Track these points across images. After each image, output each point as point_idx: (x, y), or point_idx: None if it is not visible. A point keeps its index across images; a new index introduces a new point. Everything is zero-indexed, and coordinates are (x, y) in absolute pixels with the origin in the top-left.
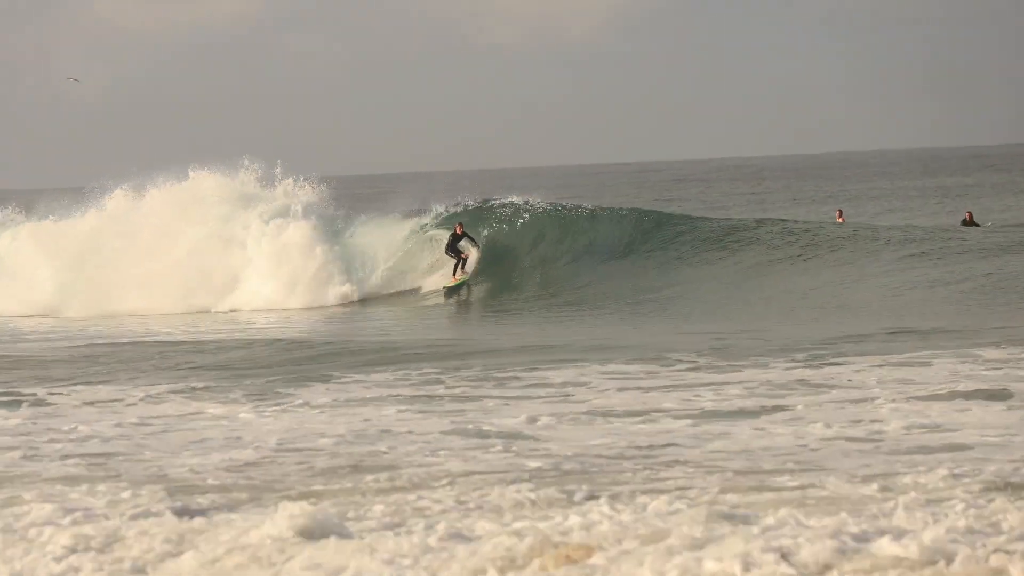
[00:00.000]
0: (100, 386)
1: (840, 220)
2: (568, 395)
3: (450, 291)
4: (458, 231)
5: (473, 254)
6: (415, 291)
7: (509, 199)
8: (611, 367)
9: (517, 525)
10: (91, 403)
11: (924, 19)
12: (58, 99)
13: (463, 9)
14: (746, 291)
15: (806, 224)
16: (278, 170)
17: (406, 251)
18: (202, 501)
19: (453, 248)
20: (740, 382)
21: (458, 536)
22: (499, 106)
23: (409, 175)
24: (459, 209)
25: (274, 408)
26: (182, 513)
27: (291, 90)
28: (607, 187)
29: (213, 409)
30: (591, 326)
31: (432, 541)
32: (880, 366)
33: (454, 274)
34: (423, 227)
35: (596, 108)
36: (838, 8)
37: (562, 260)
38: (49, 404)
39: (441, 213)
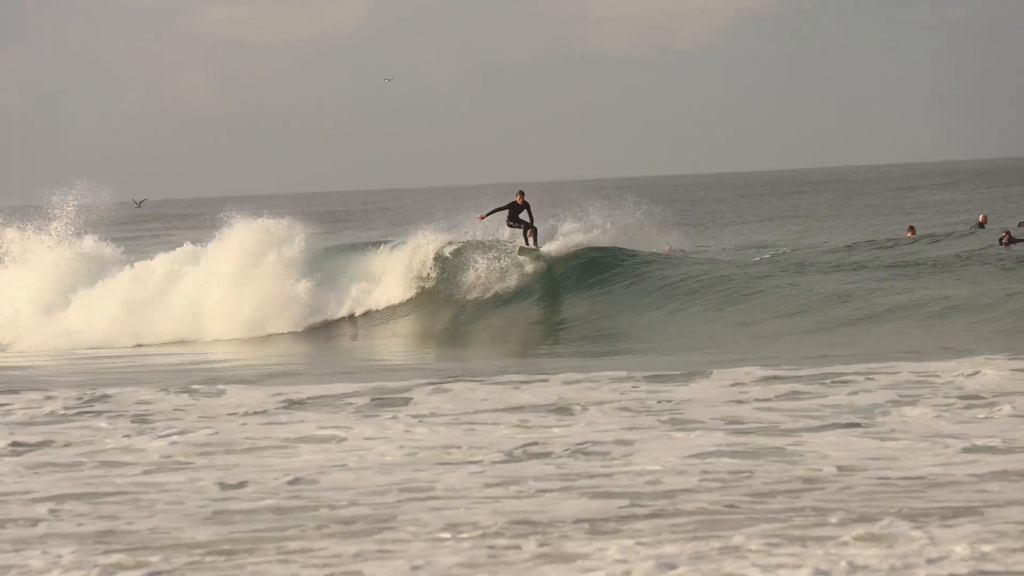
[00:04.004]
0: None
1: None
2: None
3: (525, 252)
4: (519, 201)
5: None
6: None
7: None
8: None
9: None
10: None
11: None
12: (171, 111)
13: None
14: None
15: None
16: None
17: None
18: None
19: (514, 218)
20: None
21: None
22: (613, 114)
23: (542, 184)
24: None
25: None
26: None
27: (406, 99)
28: (759, 196)
29: None
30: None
31: None
32: None
33: (526, 242)
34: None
35: (700, 116)
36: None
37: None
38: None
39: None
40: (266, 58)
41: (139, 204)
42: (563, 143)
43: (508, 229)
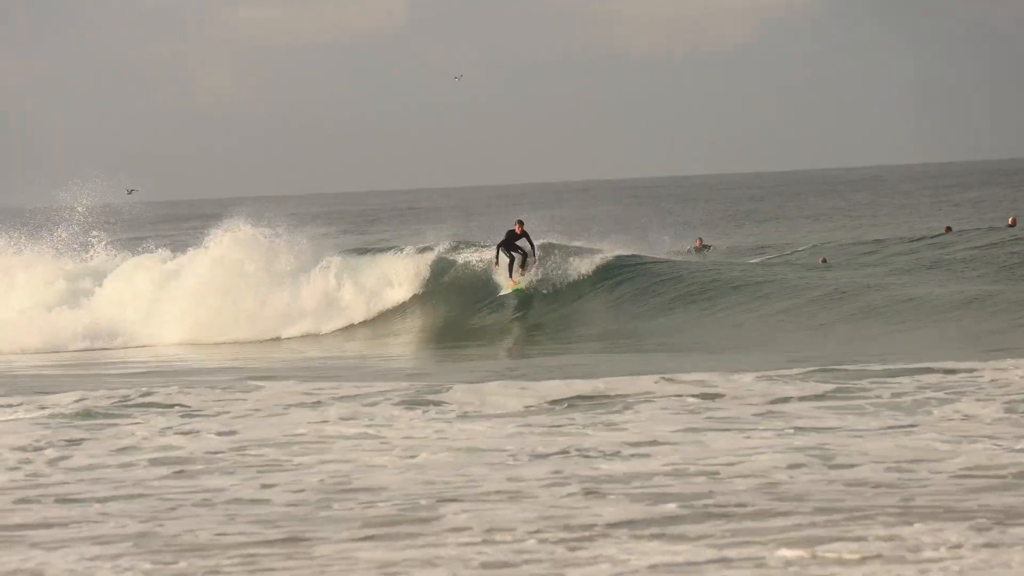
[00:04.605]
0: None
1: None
2: None
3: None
4: (517, 230)
5: (527, 264)
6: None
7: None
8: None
9: None
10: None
11: None
12: (200, 111)
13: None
14: None
15: None
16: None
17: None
18: None
19: (510, 245)
20: None
21: None
22: (644, 115)
23: (577, 184)
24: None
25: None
26: None
27: (436, 99)
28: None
29: None
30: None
31: None
32: None
33: (511, 275)
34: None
35: (741, 115)
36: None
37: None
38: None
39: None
40: (295, 58)
41: (129, 192)
42: (597, 142)
43: (504, 258)
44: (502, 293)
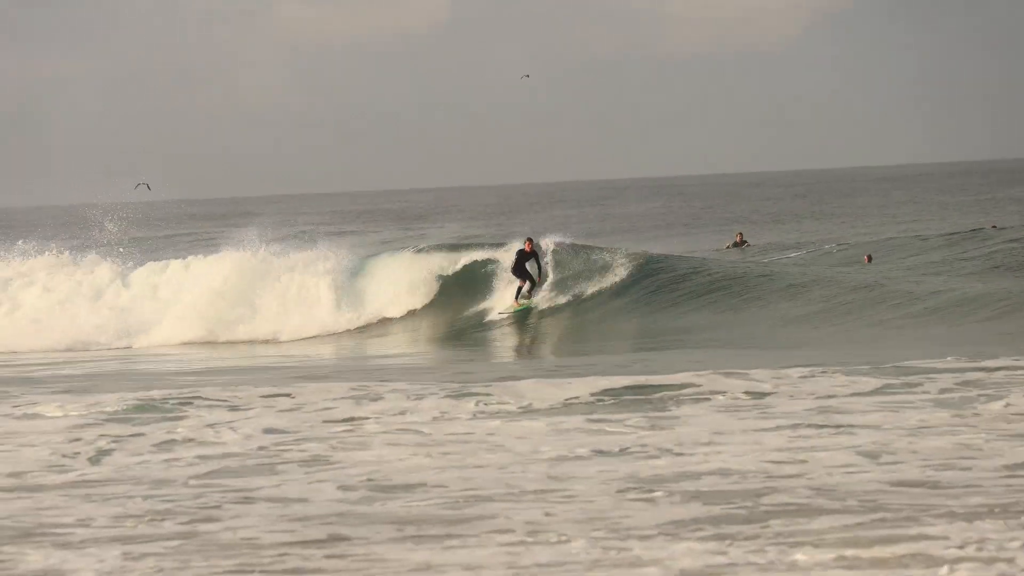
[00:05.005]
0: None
1: None
2: None
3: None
4: (527, 248)
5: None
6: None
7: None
8: None
9: None
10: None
11: None
12: (247, 109)
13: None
14: None
15: None
16: None
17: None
18: None
19: (520, 268)
20: None
21: None
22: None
23: (621, 181)
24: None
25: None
26: None
27: (485, 98)
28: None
29: None
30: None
31: None
32: None
33: (516, 298)
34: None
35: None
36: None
37: None
38: None
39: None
40: (338, 56)
41: (137, 186)
42: (644, 141)
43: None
44: (500, 311)
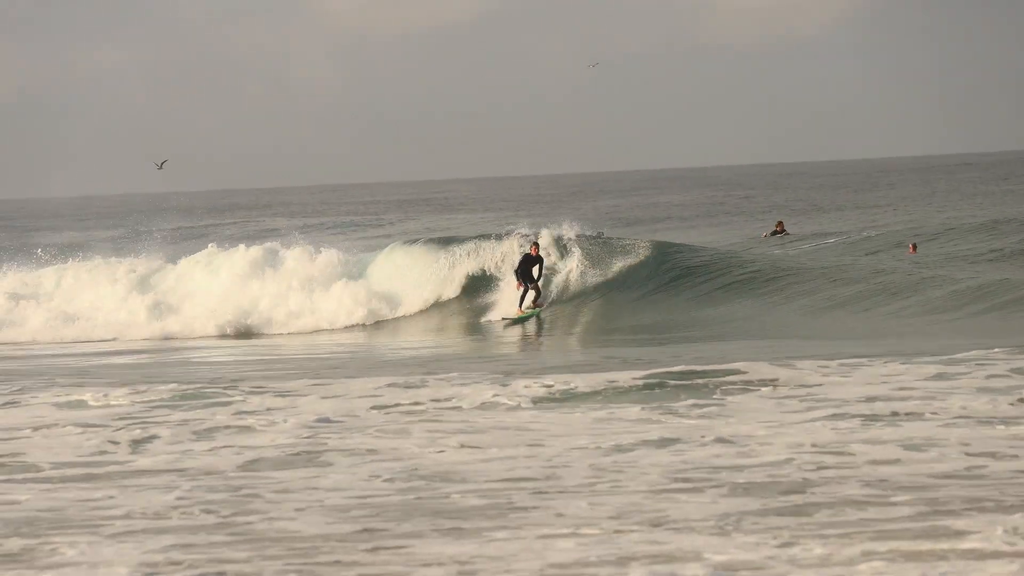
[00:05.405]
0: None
1: None
2: None
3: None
4: (533, 252)
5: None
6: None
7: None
8: None
9: None
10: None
11: None
12: (291, 101)
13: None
14: None
15: None
16: None
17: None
18: None
19: (525, 273)
20: None
21: None
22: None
23: (668, 171)
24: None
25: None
26: None
27: (527, 89)
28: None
29: None
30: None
31: None
32: None
33: (520, 304)
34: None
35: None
36: None
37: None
38: None
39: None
40: (386, 47)
41: (160, 166)
42: (691, 130)
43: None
44: (504, 318)
